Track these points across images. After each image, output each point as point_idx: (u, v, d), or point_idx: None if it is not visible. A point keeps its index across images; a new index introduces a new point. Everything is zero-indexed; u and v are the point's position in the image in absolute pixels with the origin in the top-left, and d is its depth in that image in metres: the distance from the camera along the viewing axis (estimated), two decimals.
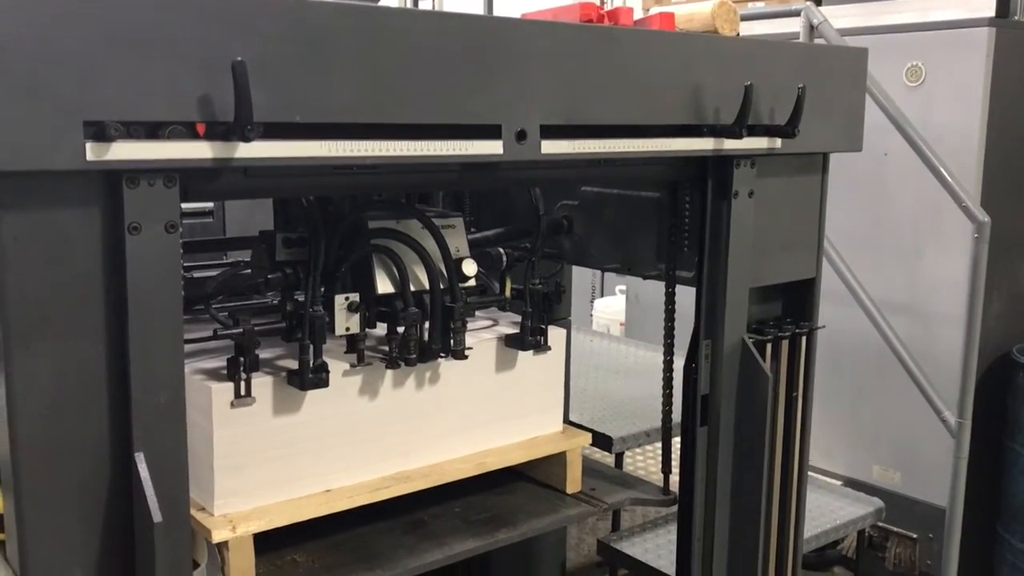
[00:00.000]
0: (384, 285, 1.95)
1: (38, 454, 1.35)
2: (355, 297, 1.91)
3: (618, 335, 5.48)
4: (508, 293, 2.23)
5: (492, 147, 1.68)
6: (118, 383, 1.39)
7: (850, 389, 4.64)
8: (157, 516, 1.35)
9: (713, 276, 2.18)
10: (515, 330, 2.23)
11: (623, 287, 6.25)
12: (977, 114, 4.04)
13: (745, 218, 2.15)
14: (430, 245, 1.98)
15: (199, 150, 1.36)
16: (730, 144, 2.04)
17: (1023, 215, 4.44)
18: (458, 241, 2.05)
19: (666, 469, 2.40)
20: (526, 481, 2.38)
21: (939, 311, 4.22)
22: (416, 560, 1.99)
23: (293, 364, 1.91)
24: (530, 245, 2.26)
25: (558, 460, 2.32)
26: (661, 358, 2.39)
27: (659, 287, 2.35)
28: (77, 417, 1.37)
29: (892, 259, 4.33)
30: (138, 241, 1.35)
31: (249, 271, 2.13)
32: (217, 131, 1.37)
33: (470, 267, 2.03)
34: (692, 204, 2.22)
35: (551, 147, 1.75)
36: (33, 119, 1.23)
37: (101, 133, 1.27)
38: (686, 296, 2.27)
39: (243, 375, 1.81)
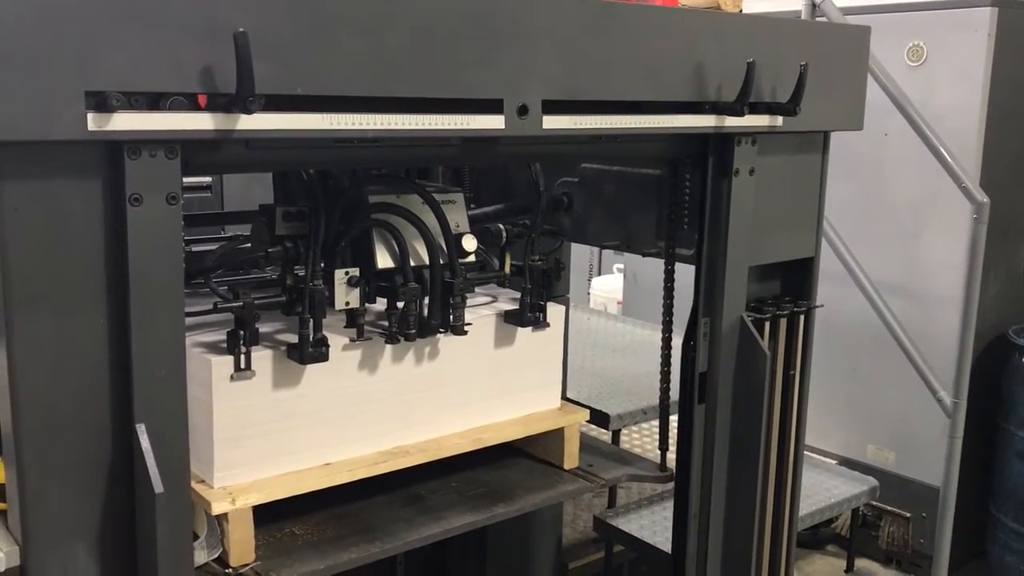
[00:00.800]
0: (384, 260, 1.95)
1: (40, 425, 1.35)
2: (355, 272, 1.91)
3: (615, 313, 5.48)
4: (507, 269, 2.23)
5: (494, 122, 1.67)
6: (119, 355, 1.40)
7: (846, 369, 4.66)
8: (159, 487, 1.35)
9: (713, 254, 2.18)
10: (514, 306, 2.23)
11: (620, 266, 6.25)
12: (978, 95, 4.03)
13: (745, 196, 2.15)
14: (430, 220, 1.98)
15: (200, 121, 1.36)
16: (731, 121, 2.04)
17: (1021, 197, 4.45)
18: (458, 217, 2.05)
19: (663, 446, 2.41)
20: (523, 457, 2.39)
21: (936, 292, 4.24)
22: (414, 533, 2.00)
23: (292, 338, 1.91)
24: (530, 222, 2.26)
25: (556, 436, 2.33)
26: (659, 336, 2.40)
27: (657, 266, 2.35)
28: (78, 388, 1.38)
29: (890, 240, 4.34)
30: (139, 212, 1.35)
31: (248, 245, 2.13)
32: (219, 103, 1.37)
33: (470, 243, 2.02)
34: (693, 182, 2.22)
35: (552, 122, 1.75)
36: (34, 89, 1.23)
37: (103, 103, 1.27)
38: (685, 275, 2.27)
39: (243, 348, 1.81)
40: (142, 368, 1.38)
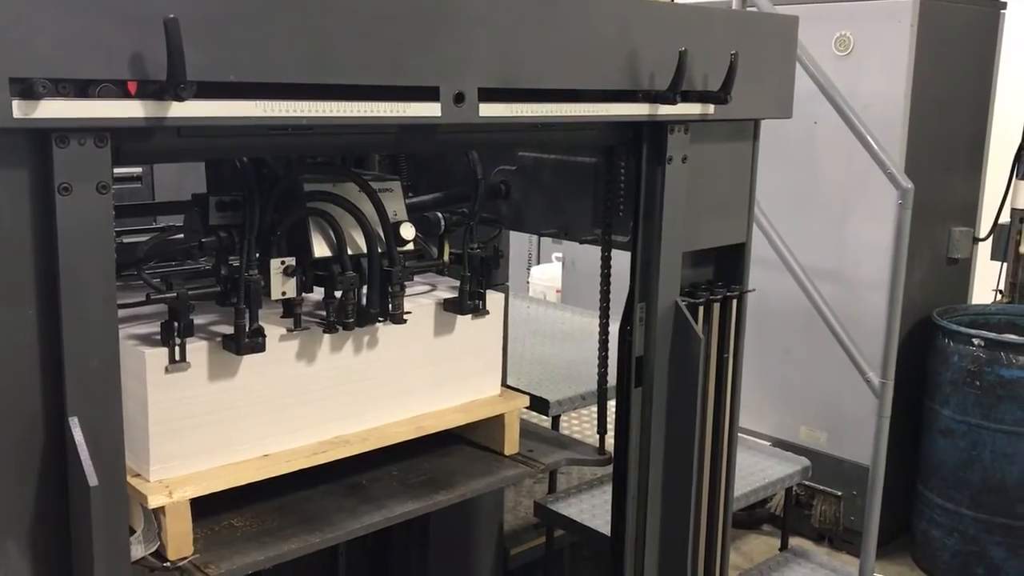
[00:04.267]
0: (321, 249, 1.94)
1: None
2: (291, 261, 1.90)
3: (555, 301, 5.52)
4: (446, 257, 2.23)
5: (430, 109, 1.67)
6: (50, 347, 1.37)
7: (778, 352, 4.77)
8: (93, 480, 1.33)
9: (648, 240, 2.21)
10: (453, 295, 2.24)
11: (559, 254, 6.29)
12: (902, 84, 4.15)
13: (679, 183, 2.19)
14: (367, 208, 1.97)
15: (130, 109, 1.34)
16: (664, 110, 2.07)
17: (944, 183, 4.59)
18: (396, 205, 2.05)
19: (601, 430, 2.45)
20: (464, 444, 2.40)
21: (864, 276, 4.36)
22: (356, 522, 2.00)
23: (228, 329, 1.89)
24: (468, 210, 2.27)
25: (496, 423, 2.35)
26: (597, 323, 2.43)
27: (595, 254, 2.38)
28: (8, 382, 1.35)
29: (819, 225, 4.44)
30: (69, 202, 1.32)
31: (180, 236, 2.10)
32: (149, 90, 1.35)
33: (408, 231, 2.02)
34: (628, 169, 2.24)
35: (488, 110, 1.76)
36: None
37: (28, 90, 1.24)
38: (622, 261, 2.30)
39: (177, 340, 1.79)
40: (74, 360, 1.36)
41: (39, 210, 1.33)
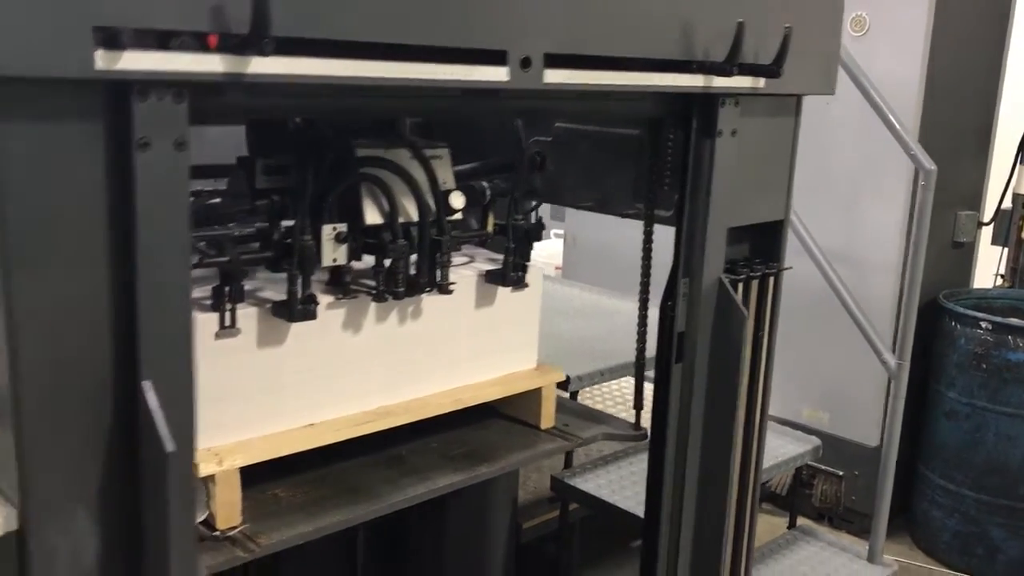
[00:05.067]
0: (372, 216, 1.90)
1: (41, 384, 1.28)
2: (343, 227, 1.86)
3: (555, 278, 5.50)
4: (490, 228, 2.20)
5: (497, 73, 1.64)
6: (121, 309, 1.32)
7: (782, 333, 4.77)
8: (170, 445, 1.30)
9: (694, 215, 2.19)
10: (492, 266, 2.20)
11: (559, 231, 6.25)
12: (917, 66, 4.14)
13: (728, 157, 2.16)
14: (419, 176, 1.93)
15: (210, 63, 1.29)
16: (719, 82, 2.04)
17: (953, 167, 4.60)
18: (445, 173, 2.01)
19: (638, 405, 2.43)
20: (498, 417, 2.38)
21: (872, 258, 4.36)
22: (400, 494, 1.97)
23: (275, 296, 1.85)
24: (512, 180, 2.23)
25: (533, 396, 2.33)
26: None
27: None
28: (80, 345, 1.30)
29: (829, 206, 4.44)
30: (148, 158, 1.28)
31: (219, 200, 2.05)
32: (229, 44, 1.30)
33: (458, 200, 1.99)
34: (675, 142, 2.21)
35: (553, 76, 1.72)
36: (39, 21, 1.14)
37: (113, 40, 1.19)
38: (635, 237, 2.26)
39: (228, 305, 1.75)
40: (149, 323, 1.32)
41: (115, 166, 1.28)
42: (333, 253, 1.85)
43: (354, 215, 1.89)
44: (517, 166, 2.24)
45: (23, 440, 1.28)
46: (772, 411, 4.75)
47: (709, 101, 2.11)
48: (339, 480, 2.00)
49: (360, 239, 1.91)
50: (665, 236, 2.27)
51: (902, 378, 3.40)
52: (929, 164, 3.24)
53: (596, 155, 2.43)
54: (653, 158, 2.26)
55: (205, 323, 1.74)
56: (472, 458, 2.15)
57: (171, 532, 1.32)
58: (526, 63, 1.67)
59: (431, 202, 1.95)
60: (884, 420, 4.40)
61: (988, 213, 4.92)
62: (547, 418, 2.34)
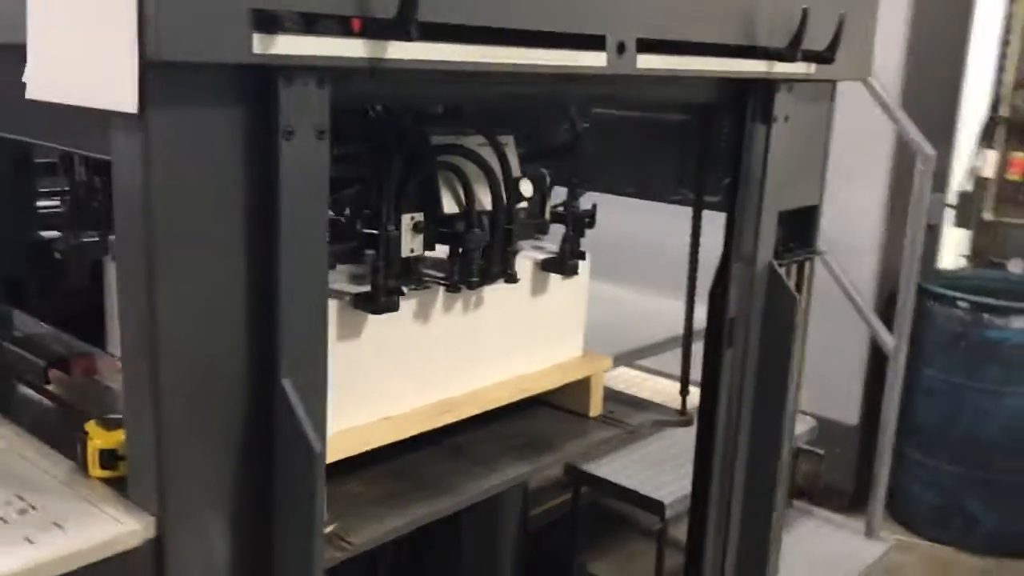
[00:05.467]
0: (450, 204, 1.87)
1: (181, 386, 1.22)
2: (420, 217, 1.82)
3: None
4: (547, 215, 2.17)
5: (597, 59, 1.62)
6: (257, 305, 1.27)
7: None
8: (318, 445, 1.25)
9: (747, 201, 2.20)
10: (537, 254, 2.19)
11: None
12: (897, 56, 4.24)
13: (782, 143, 2.18)
14: (493, 163, 1.90)
15: (356, 48, 1.24)
16: (779, 67, 2.05)
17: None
18: (513, 160, 1.98)
19: (684, 391, 2.45)
20: (543, 406, 2.36)
21: (852, 241, 4.46)
22: (476, 486, 1.94)
23: (350, 287, 1.81)
24: (570, 167, 2.21)
25: (581, 384, 2.32)
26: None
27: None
28: (219, 343, 1.25)
29: None
30: (291, 148, 1.23)
31: None
32: (372, 28, 1.25)
33: (527, 187, 1.96)
34: (730, 128, 2.22)
35: (645, 62, 1.71)
36: (201, 3, 1.09)
37: (271, 23, 1.13)
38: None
39: None
40: (291, 318, 1.27)
41: (256, 156, 1.23)
42: (411, 243, 1.81)
43: (431, 204, 1.85)
44: (574, 152, 2.22)
45: (163, 445, 1.22)
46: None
47: (767, 87, 2.12)
48: (412, 473, 1.96)
49: (434, 228, 1.87)
50: (674, 224, 2.30)
51: (899, 359, 3.49)
52: (929, 150, 3.32)
53: (638, 141, 2.42)
54: (703, 144, 2.27)
55: None
56: (532, 447, 2.13)
57: (315, 533, 1.27)
58: (621, 48, 1.66)
59: (504, 190, 1.92)
60: (863, 399, 4.53)
61: (951, 197, 5.09)
62: (595, 406, 2.34)
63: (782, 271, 2.27)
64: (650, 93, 1.95)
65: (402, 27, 1.23)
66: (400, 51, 1.28)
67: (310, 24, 1.20)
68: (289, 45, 1.17)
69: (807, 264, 2.48)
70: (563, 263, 2.15)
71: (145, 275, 1.17)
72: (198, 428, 1.25)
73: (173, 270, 1.19)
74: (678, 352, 3.68)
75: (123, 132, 1.16)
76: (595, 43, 1.62)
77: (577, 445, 2.19)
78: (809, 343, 4.57)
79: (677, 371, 3.86)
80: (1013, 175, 4.91)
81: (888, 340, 3.48)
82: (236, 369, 1.27)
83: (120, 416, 1.39)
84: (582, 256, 2.19)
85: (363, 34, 1.25)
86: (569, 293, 2.27)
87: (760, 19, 1.98)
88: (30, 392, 1.72)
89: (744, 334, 2.26)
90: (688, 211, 2.39)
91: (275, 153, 1.22)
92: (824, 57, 2.13)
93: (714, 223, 3.96)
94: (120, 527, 1.23)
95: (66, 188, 1.97)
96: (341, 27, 1.23)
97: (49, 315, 1.94)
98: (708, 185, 2.30)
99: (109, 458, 1.33)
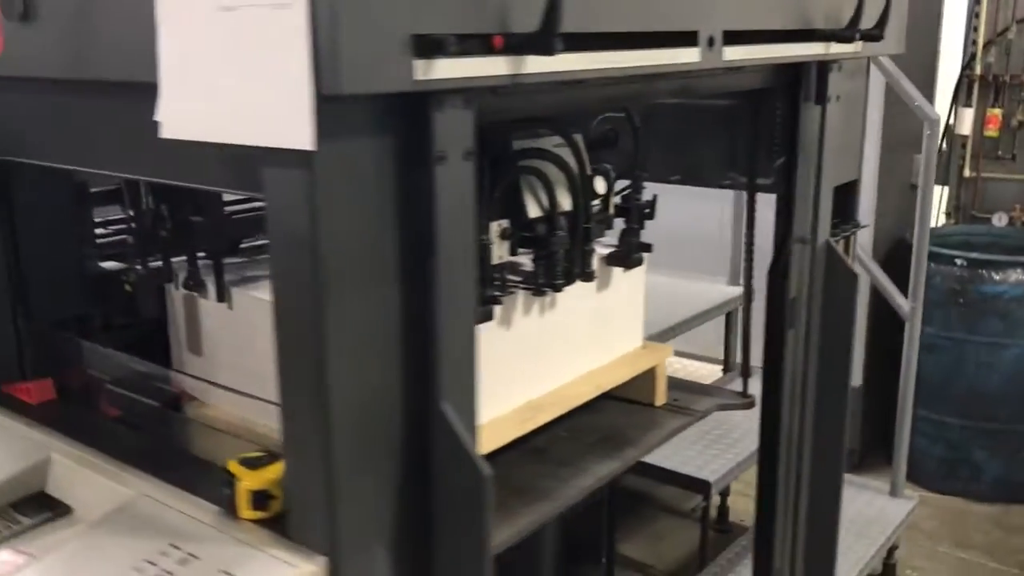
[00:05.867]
0: (533, 209, 1.85)
1: (348, 416, 1.20)
2: (507, 223, 1.80)
3: None
4: (611, 210, 2.16)
5: (691, 54, 1.61)
6: (412, 330, 1.25)
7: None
8: (487, 469, 1.24)
9: (803, 180, 2.22)
10: (601, 249, 2.18)
11: None
12: None
13: (836, 121, 2.20)
14: (572, 164, 1.89)
15: (499, 65, 1.21)
16: (834, 48, 2.06)
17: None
18: (586, 159, 1.97)
19: (745, 372, 2.47)
20: (606, 399, 2.36)
21: None
22: (570, 488, 1.93)
23: None
24: (633, 160, 2.20)
25: (644, 374, 2.32)
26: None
27: None
28: (380, 372, 1.23)
29: None
30: (444, 172, 1.20)
31: None
32: (514, 44, 1.23)
33: (600, 185, 1.95)
34: (783, 109, 2.23)
35: (731, 54, 1.71)
36: (367, 33, 1.05)
37: (430, 48, 1.10)
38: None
39: None
40: (447, 340, 1.25)
41: (407, 184, 1.20)
42: (500, 251, 1.79)
43: (514, 209, 1.83)
44: (635, 143, 2.20)
45: (334, 480, 1.20)
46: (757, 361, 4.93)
47: (821, 67, 2.14)
48: (503, 480, 1.94)
49: (518, 234, 1.85)
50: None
51: (915, 321, 3.56)
52: (934, 114, 3.38)
53: (679, 128, 2.42)
54: (755, 127, 2.27)
55: None
56: (611, 443, 2.13)
57: (486, 557, 1.26)
58: (711, 42, 1.65)
59: (582, 189, 1.90)
60: (865, 361, 4.61)
61: None
62: (661, 395, 2.34)
63: (839, 248, 2.30)
64: (722, 83, 1.95)
65: (545, 41, 1.21)
66: (539, 64, 1.25)
67: (461, 46, 1.17)
68: (445, 69, 1.14)
69: (852, 238, 2.51)
70: (628, 256, 2.15)
71: (312, 310, 1.14)
72: (364, 460, 1.23)
73: (339, 304, 1.16)
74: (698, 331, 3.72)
75: (281, 168, 1.12)
76: (689, 39, 1.61)
77: (654, 436, 2.19)
78: None
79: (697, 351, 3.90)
80: (990, 131, 5.02)
81: (903, 303, 3.55)
82: (394, 397, 1.25)
83: (260, 454, 1.36)
84: (647, 248, 2.18)
85: (504, 51, 1.22)
86: (630, 285, 2.27)
87: (817, 2, 1.99)
88: (144, 434, 1.68)
89: (806, 313, 2.29)
90: (687, 192, 2.42)
91: (430, 179, 1.19)
92: (874, 35, 2.14)
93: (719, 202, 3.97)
94: (294, 570, 1.20)
95: (129, 216, 1.91)
96: (484, 45, 1.21)
97: (117, 345, 1.89)
98: (760, 167, 2.31)
99: (261, 499, 1.30)
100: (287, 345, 1.19)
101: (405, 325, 1.24)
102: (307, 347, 1.16)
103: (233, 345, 1.88)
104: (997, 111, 5.09)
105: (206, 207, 1.82)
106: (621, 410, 2.31)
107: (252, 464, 1.32)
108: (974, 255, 4.35)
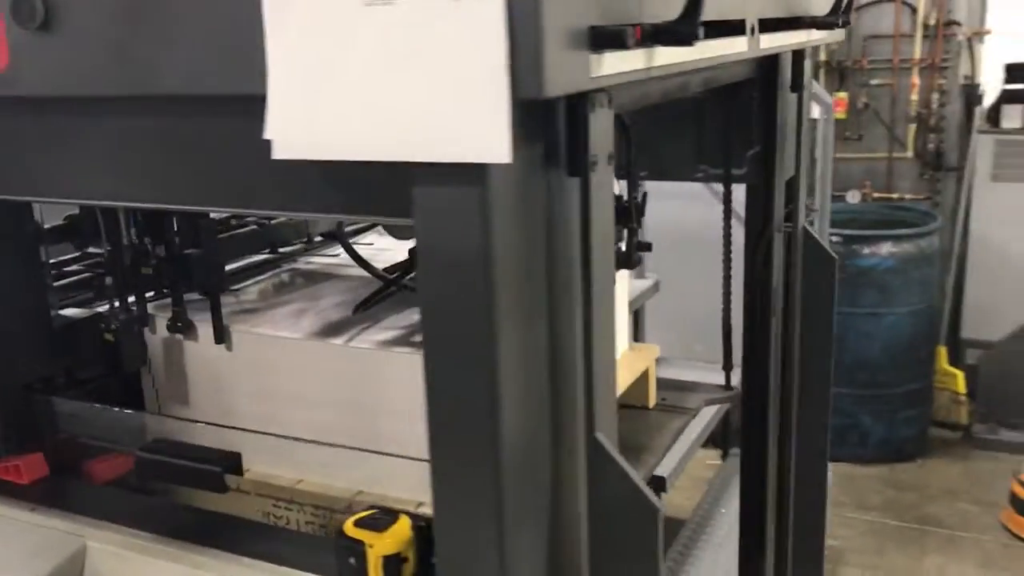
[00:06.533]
0: None
1: (512, 461, 1.06)
2: None
3: None
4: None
5: (740, 44, 1.56)
6: (557, 358, 1.12)
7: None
8: (657, 503, 1.13)
9: (782, 167, 2.22)
10: None
11: None
12: None
13: (807, 108, 2.22)
14: None
15: (638, 59, 1.11)
16: (815, 35, 2.07)
17: None
18: None
19: (728, 365, 2.45)
20: None
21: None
22: None
23: None
24: (628, 157, 2.12)
25: (639, 377, 2.26)
26: None
27: None
28: (532, 406, 1.09)
29: None
30: (596, 180, 1.08)
31: None
32: (651, 35, 1.12)
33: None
34: (760, 99, 2.22)
35: (766, 42, 1.67)
36: (560, 25, 0.92)
37: (610, 40, 0.98)
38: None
39: None
40: (600, 365, 1.13)
41: (553, 195, 1.07)
42: None
43: None
44: (627, 143, 2.13)
45: (504, 531, 1.06)
46: (672, 351, 5.00)
47: (796, 56, 2.14)
48: None
49: None
50: None
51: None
52: (828, 99, 3.51)
53: (647, 124, 2.36)
54: (726, 120, 2.25)
55: None
56: (627, 452, 2.05)
57: None
58: (752, 31, 1.60)
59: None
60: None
61: None
62: (652, 396, 2.30)
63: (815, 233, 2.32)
64: (730, 73, 1.91)
65: (687, 29, 1.11)
66: (672, 56, 1.16)
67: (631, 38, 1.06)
68: (611, 64, 1.02)
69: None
70: (629, 256, 2.07)
71: (481, 344, 1.00)
72: (525, 505, 1.09)
73: (507, 335, 1.02)
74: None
75: (444, 187, 0.97)
76: (739, 28, 1.55)
77: (662, 439, 2.14)
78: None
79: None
80: (839, 114, 5.30)
81: None
82: (544, 433, 1.12)
83: (371, 513, 1.19)
84: (647, 248, 2.11)
85: (642, 43, 1.11)
86: (619, 286, 2.19)
87: None
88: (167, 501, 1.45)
89: (786, 300, 2.29)
90: None
91: (585, 189, 1.07)
92: (846, 22, 2.17)
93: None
94: None
95: (98, 254, 1.66)
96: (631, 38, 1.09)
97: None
98: (734, 158, 2.29)
99: (394, 564, 1.13)
100: (444, 385, 1.04)
101: (552, 351, 1.11)
102: (473, 386, 1.01)
103: (233, 389, 1.68)
104: (843, 95, 5.38)
105: (200, 238, 1.61)
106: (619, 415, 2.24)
107: (372, 525, 1.15)
108: (848, 231, 4.58)
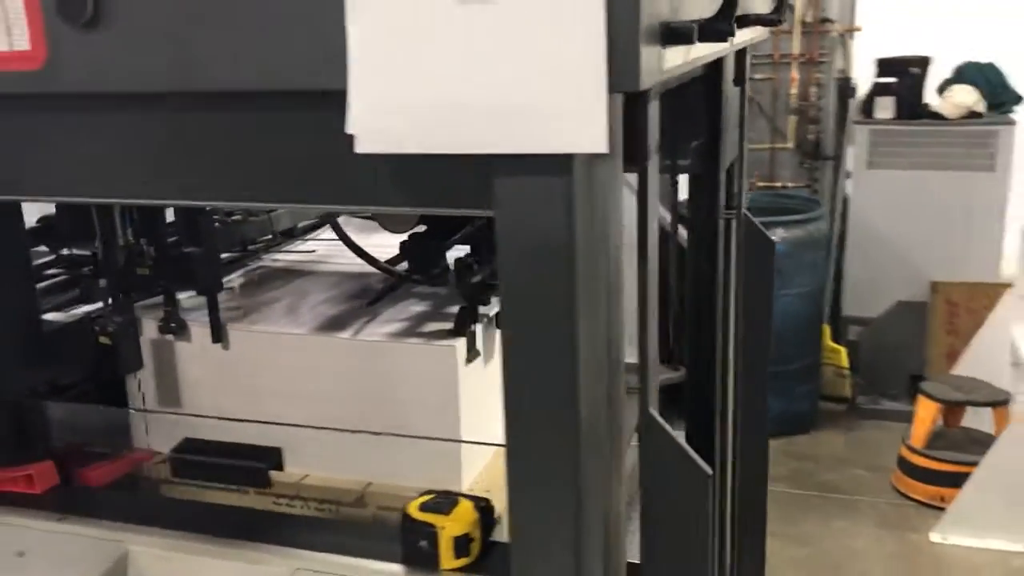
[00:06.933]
0: None
1: (589, 438, 1.12)
2: None
3: None
4: None
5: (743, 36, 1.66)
6: (612, 342, 1.18)
7: None
8: (708, 468, 1.21)
9: (724, 158, 2.34)
10: None
11: None
12: None
13: (746, 100, 2.35)
14: None
15: (679, 54, 1.17)
16: (759, 31, 2.20)
17: None
18: None
19: (668, 344, 2.57)
20: None
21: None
22: None
23: None
24: None
25: None
26: None
27: None
28: (600, 384, 1.15)
29: None
30: (652, 171, 1.15)
31: None
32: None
33: None
34: (706, 92, 2.33)
35: (739, 37, 1.77)
36: (649, 17, 0.98)
37: (678, 35, 1.05)
38: None
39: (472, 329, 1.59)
40: (650, 350, 1.20)
41: (616, 184, 1.13)
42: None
43: None
44: None
45: (581, 507, 1.11)
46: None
47: (739, 52, 2.26)
48: None
49: None
50: None
51: None
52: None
53: None
54: (677, 112, 2.35)
55: (461, 350, 1.56)
56: None
57: (707, 550, 1.24)
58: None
59: None
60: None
61: None
62: None
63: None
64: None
65: (724, 27, 1.19)
66: (696, 52, 1.23)
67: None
68: (672, 58, 1.09)
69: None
70: None
71: (563, 328, 1.05)
72: (596, 482, 1.15)
73: (583, 323, 1.07)
74: None
75: (528, 177, 1.01)
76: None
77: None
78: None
79: None
80: None
81: None
82: (604, 412, 1.18)
83: (431, 497, 1.23)
84: None
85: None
86: None
87: None
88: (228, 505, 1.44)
89: (724, 285, 2.42)
90: None
91: (643, 181, 1.13)
92: (776, 21, 2.31)
93: None
94: None
95: (87, 254, 1.61)
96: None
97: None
98: (679, 150, 2.40)
99: (463, 544, 1.17)
100: (525, 370, 1.08)
101: (609, 336, 1.17)
102: (554, 371, 1.06)
103: (231, 389, 1.67)
104: None
105: (200, 236, 1.59)
106: None
107: (437, 508, 1.19)
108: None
